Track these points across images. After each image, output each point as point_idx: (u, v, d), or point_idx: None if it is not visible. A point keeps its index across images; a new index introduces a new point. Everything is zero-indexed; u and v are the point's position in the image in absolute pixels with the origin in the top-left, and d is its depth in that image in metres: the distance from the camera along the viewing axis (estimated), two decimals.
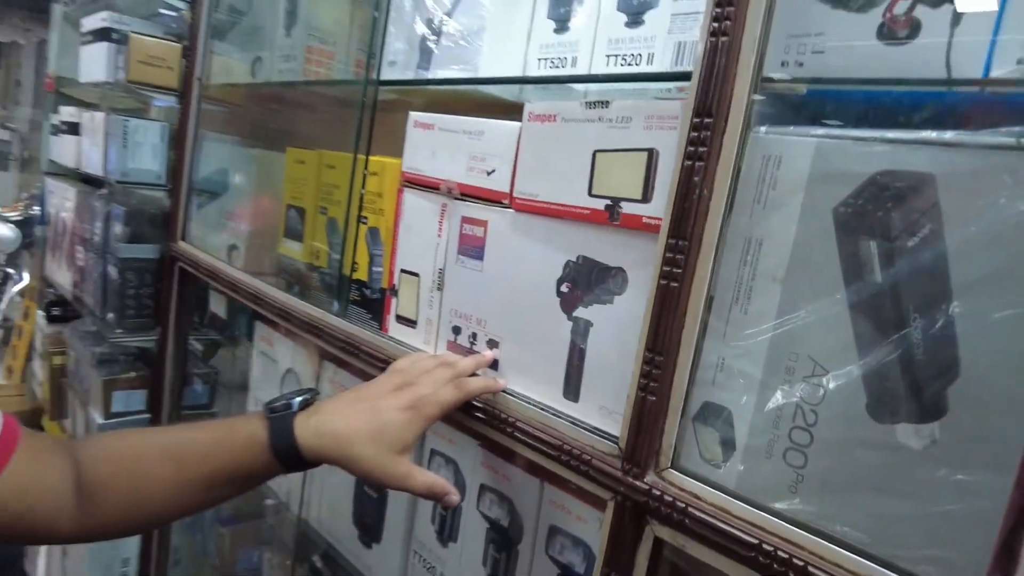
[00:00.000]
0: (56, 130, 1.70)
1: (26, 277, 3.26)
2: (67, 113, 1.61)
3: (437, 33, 0.74)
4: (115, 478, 0.58)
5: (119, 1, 1.44)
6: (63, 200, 1.72)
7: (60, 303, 1.76)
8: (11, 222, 2.80)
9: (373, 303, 0.80)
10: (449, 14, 0.73)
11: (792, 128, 0.44)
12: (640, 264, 0.53)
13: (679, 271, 0.47)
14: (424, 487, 0.57)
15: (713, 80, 0.44)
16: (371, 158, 0.80)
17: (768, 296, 0.45)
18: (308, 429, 0.57)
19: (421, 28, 0.76)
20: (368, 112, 0.80)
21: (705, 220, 0.46)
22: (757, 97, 0.45)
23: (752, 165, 0.45)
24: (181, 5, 1.30)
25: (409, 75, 0.76)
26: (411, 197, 0.74)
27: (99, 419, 1.42)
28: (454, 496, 0.59)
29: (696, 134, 0.45)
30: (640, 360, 0.49)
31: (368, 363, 0.74)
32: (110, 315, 1.36)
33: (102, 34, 1.33)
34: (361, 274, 0.81)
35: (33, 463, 0.56)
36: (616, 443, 0.51)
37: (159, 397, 1.29)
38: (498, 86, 0.72)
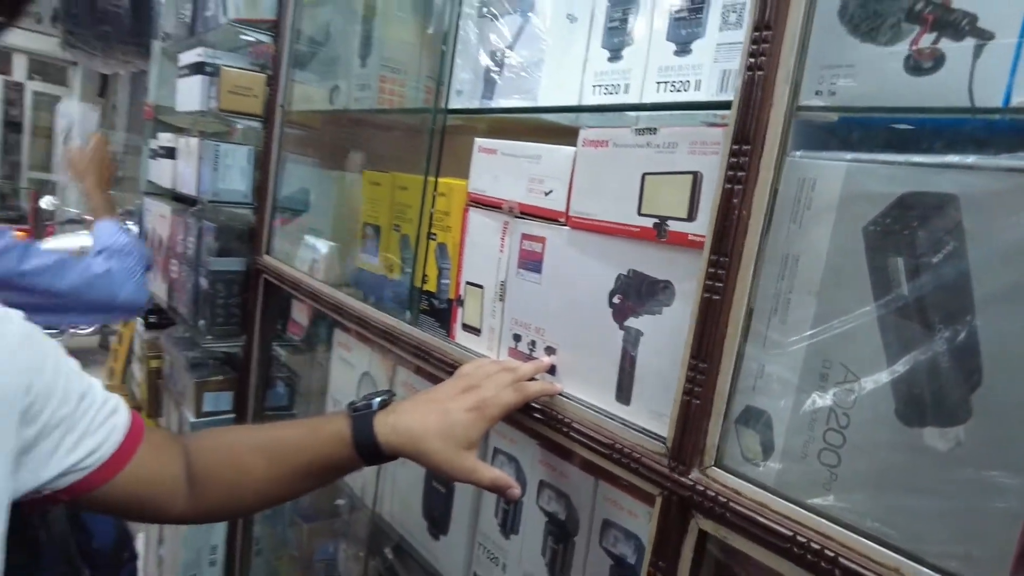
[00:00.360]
0: (155, 154, 1.86)
1: None
2: (164, 139, 1.77)
3: (500, 65, 0.81)
4: (218, 469, 0.67)
5: (210, 36, 1.58)
6: (159, 217, 1.88)
7: (156, 311, 1.93)
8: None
9: (441, 312, 0.87)
10: (511, 47, 0.79)
11: (824, 152, 0.48)
12: (686, 278, 0.58)
13: (720, 285, 0.51)
14: (489, 481, 0.63)
15: (750, 111, 0.49)
16: (440, 180, 0.87)
17: (804, 308, 0.48)
18: (386, 427, 0.64)
19: (485, 60, 0.82)
20: (437, 138, 0.87)
21: (744, 238, 0.50)
22: (815, 102, 0.49)
23: (788, 187, 0.49)
24: (265, 38, 1.42)
25: (474, 104, 0.83)
26: (476, 216, 0.81)
27: (191, 417, 1.55)
28: (516, 490, 0.64)
29: (735, 160, 0.50)
30: (685, 366, 0.53)
31: (437, 367, 0.81)
32: (201, 322, 1.49)
33: (197, 68, 1.47)
34: (430, 286, 0.88)
35: (155, 454, 0.65)
36: (664, 443, 0.55)
37: (244, 398, 1.41)
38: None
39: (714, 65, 0.63)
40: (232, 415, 1.51)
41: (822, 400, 0.47)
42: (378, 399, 0.67)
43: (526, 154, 0.74)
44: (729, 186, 0.50)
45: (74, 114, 1.61)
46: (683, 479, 0.53)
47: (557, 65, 0.76)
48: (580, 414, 0.65)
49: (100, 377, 2.44)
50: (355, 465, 0.66)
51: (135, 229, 1.38)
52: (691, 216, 0.57)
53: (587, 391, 0.67)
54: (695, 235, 0.56)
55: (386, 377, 0.99)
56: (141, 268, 1.28)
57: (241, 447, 0.68)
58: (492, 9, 0.81)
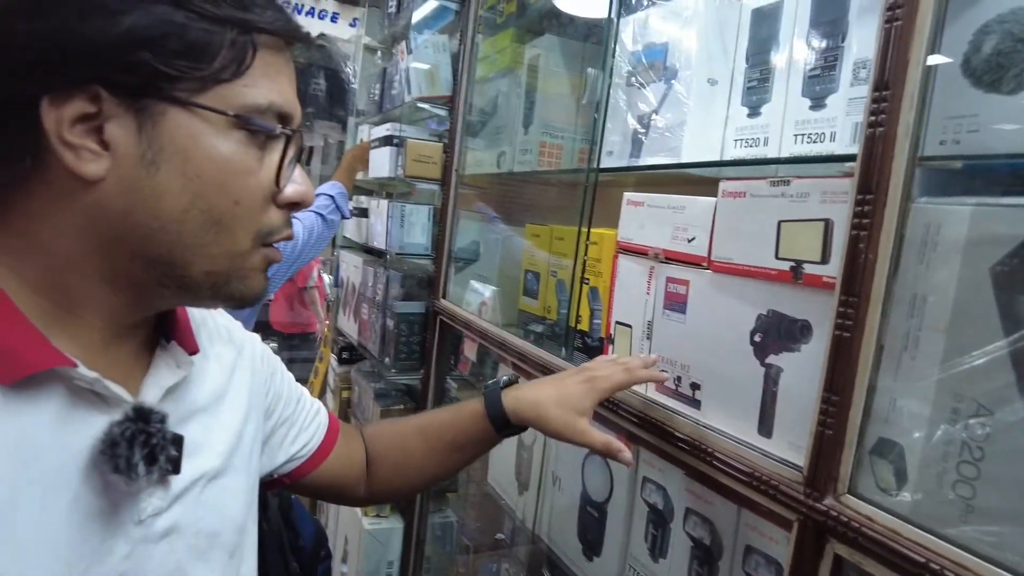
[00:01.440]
0: (350, 214, 2.17)
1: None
2: (358, 200, 2.07)
3: (646, 127, 0.90)
4: (388, 451, 0.81)
5: (396, 112, 1.84)
6: (352, 267, 2.17)
7: (348, 348, 2.21)
8: None
9: (593, 350, 0.96)
10: (656, 111, 0.88)
11: (948, 198, 0.51)
12: (822, 317, 0.62)
13: (850, 323, 0.55)
14: (601, 443, 0.71)
15: (872, 164, 0.53)
16: (592, 230, 0.97)
17: (934, 344, 0.51)
18: (512, 399, 0.76)
19: (632, 123, 0.92)
20: (590, 194, 0.98)
21: (872, 280, 0.54)
22: (940, 151, 0.53)
23: (915, 230, 0.53)
24: (442, 112, 1.63)
25: (623, 163, 0.93)
26: (625, 262, 0.89)
27: None
28: (626, 453, 0.71)
29: (860, 208, 0.54)
30: (819, 399, 0.57)
31: None
32: (386, 358, 1.70)
33: (386, 140, 1.72)
34: (583, 325, 0.98)
35: (347, 445, 0.80)
36: (800, 471, 0.59)
37: None
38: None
39: (847, 118, 0.67)
40: None
41: (954, 433, 0.49)
42: (504, 378, 0.80)
43: (670, 205, 0.82)
44: (855, 232, 0.55)
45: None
46: (818, 505, 0.56)
47: (699, 124, 0.84)
48: (722, 444, 0.70)
49: None
50: (490, 437, 0.78)
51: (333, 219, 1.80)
52: (824, 259, 0.61)
53: (731, 424, 0.72)
54: (829, 277, 0.61)
55: None
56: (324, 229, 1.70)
57: (404, 431, 0.83)
58: (639, 79, 0.91)
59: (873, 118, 0.54)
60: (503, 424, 0.76)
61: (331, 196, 1.75)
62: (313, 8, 4.69)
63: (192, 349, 0.57)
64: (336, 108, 3.55)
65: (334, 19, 4.74)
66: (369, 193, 2.23)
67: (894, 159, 0.52)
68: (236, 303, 0.51)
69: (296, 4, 4.62)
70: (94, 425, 0.46)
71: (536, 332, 1.14)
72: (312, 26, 4.31)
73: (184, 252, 0.47)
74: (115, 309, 0.49)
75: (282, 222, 0.51)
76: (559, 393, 0.74)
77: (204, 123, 0.45)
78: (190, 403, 0.56)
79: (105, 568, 0.47)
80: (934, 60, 0.52)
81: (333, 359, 2.41)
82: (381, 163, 1.77)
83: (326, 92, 3.60)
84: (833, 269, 0.60)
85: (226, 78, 0.45)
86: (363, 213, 1.98)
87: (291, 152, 0.49)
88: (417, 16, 1.67)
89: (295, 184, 0.51)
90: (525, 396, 0.76)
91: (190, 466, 0.53)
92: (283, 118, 0.49)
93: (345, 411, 2.20)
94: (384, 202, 1.75)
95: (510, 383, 0.80)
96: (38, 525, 0.43)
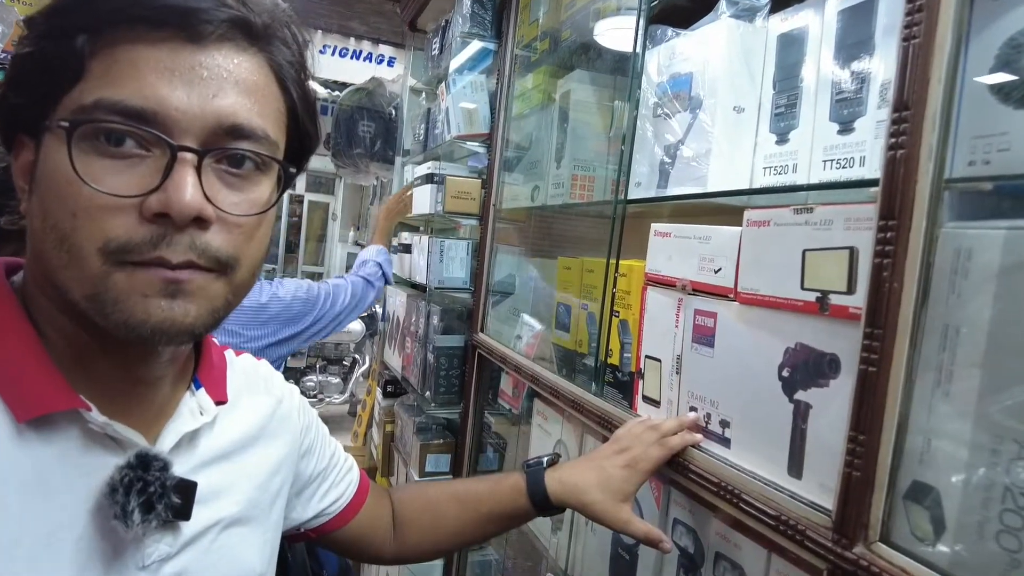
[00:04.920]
0: (395, 250, 2.21)
1: (367, 361, 4.03)
2: (404, 237, 2.11)
3: (673, 157, 0.89)
4: (419, 515, 0.81)
5: (438, 150, 1.88)
6: (398, 303, 2.21)
7: (393, 382, 2.23)
8: (359, 318, 3.60)
9: (624, 384, 0.93)
10: (682, 141, 0.87)
11: (978, 222, 0.48)
12: (851, 350, 0.58)
13: (876, 357, 0.51)
14: (642, 533, 0.70)
15: (894, 188, 0.51)
16: (621, 261, 0.96)
17: (968, 380, 0.47)
18: (555, 481, 0.75)
19: (660, 154, 0.91)
20: (618, 226, 0.96)
21: (898, 310, 0.50)
22: (969, 172, 0.49)
23: (944, 257, 0.49)
24: (481, 149, 1.66)
25: (651, 193, 0.91)
26: (653, 294, 0.87)
27: (415, 476, 1.75)
28: (667, 544, 0.70)
29: (883, 235, 0.51)
30: (846, 438, 0.53)
31: None
32: (427, 392, 1.71)
33: (428, 178, 1.76)
34: (614, 359, 0.95)
35: (376, 505, 0.80)
36: (829, 515, 0.55)
37: (460, 461, 1.57)
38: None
39: (875, 141, 0.64)
40: (449, 476, 1.69)
41: (995, 478, 0.45)
42: (547, 458, 0.78)
43: (696, 235, 0.80)
44: (879, 260, 0.52)
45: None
46: (847, 553, 0.52)
47: (726, 152, 0.82)
48: (749, 486, 0.66)
49: (347, 440, 2.81)
50: (528, 514, 0.76)
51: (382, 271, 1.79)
52: (850, 290, 0.58)
53: (760, 463, 0.68)
54: (855, 308, 0.57)
55: (576, 445, 1.06)
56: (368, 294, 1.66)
57: (438, 496, 0.82)
58: (665, 109, 0.90)
59: (894, 140, 0.51)
60: (544, 505, 0.76)
61: (379, 264, 1.75)
62: (371, 53, 4.91)
63: (219, 398, 0.57)
64: (386, 149, 3.67)
65: (391, 63, 4.94)
66: (415, 229, 2.27)
67: (918, 182, 0.50)
68: (127, 335, 0.44)
69: (355, 50, 4.85)
70: (107, 467, 0.46)
71: (569, 366, 1.12)
72: (368, 70, 4.50)
73: (56, 275, 0.44)
74: (84, 341, 0.47)
75: (143, 238, 0.43)
76: (601, 478, 0.74)
77: (54, 138, 0.43)
78: (211, 450, 0.55)
79: None
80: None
81: (379, 392, 2.44)
82: (423, 200, 1.80)
83: (374, 134, 3.72)
84: (860, 300, 0.57)
85: (66, 88, 0.43)
86: (407, 249, 2.01)
87: (84, 146, 0.42)
88: (459, 59, 1.71)
89: (165, 192, 0.43)
90: (568, 480, 0.75)
91: (205, 512, 0.52)
92: (137, 115, 0.42)
93: (389, 445, 2.21)
94: (425, 238, 1.78)
95: (552, 462, 0.79)
96: (41, 562, 0.43)
